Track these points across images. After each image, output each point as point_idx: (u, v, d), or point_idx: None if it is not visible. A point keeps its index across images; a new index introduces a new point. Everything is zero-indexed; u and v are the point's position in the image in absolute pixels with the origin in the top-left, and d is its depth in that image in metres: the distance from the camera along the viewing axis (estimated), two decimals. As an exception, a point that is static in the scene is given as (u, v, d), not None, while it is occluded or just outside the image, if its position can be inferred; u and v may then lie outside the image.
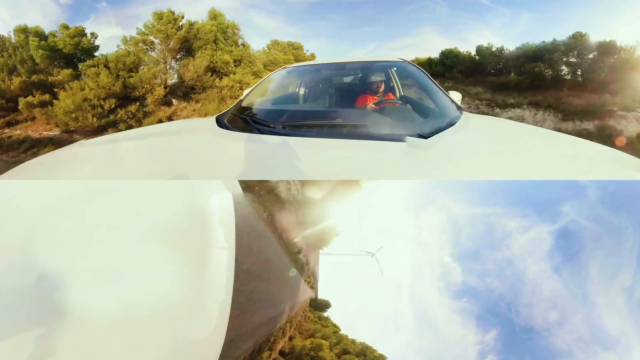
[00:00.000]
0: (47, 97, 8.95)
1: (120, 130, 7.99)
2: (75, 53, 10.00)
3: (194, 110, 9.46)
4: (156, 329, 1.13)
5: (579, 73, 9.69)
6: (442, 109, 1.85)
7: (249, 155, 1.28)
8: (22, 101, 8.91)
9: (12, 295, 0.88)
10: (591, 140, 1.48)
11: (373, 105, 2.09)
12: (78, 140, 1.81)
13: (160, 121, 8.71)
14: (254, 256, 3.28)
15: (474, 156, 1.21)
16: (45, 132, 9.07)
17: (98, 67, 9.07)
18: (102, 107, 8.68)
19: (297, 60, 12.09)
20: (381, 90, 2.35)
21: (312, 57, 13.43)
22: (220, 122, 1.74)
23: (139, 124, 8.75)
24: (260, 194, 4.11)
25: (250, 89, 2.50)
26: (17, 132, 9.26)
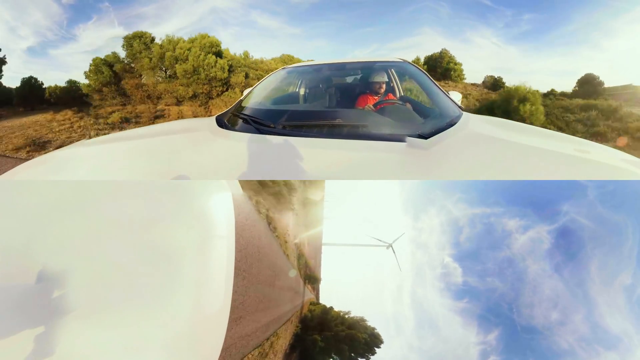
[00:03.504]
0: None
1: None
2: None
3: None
4: (155, 330, 1.13)
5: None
6: (442, 109, 1.85)
7: (249, 155, 1.28)
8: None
9: (12, 295, 0.88)
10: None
11: (371, 106, 2.09)
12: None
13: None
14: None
15: (474, 156, 1.21)
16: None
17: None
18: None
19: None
20: (381, 90, 2.35)
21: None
22: (220, 122, 1.74)
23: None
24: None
25: (250, 89, 2.50)
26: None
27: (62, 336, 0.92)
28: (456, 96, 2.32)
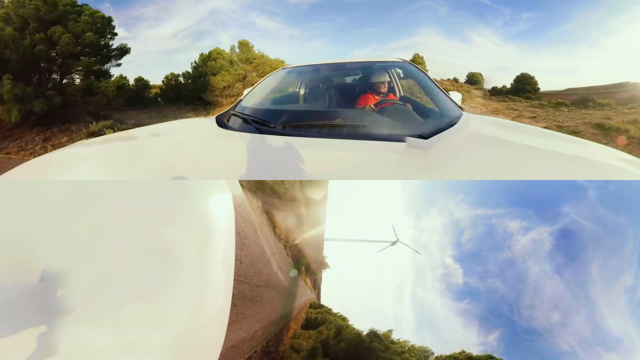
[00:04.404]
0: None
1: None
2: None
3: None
4: (154, 330, 1.13)
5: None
6: (442, 109, 1.85)
7: (249, 155, 1.28)
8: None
9: (12, 295, 0.88)
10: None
11: (372, 106, 2.09)
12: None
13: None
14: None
15: (474, 156, 1.21)
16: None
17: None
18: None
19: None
20: (382, 90, 2.35)
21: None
22: (220, 122, 1.74)
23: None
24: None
25: (250, 88, 2.50)
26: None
27: (61, 336, 0.92)
28: (456, 96, 2.32)
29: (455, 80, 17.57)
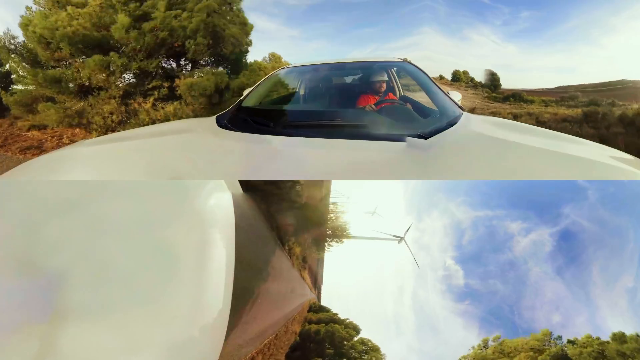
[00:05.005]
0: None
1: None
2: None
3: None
4: (153, 331, 1.13)
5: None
6: (442, 109, 1.85)
7: (249, 155, 1.28)
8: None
9: (11, 296, 0.88)
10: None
11: (372, 106, 2.09)
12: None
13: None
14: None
15: (474, 156, 1.21)
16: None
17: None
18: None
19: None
20: (381, 89, 2.35)
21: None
22: (220, 122, 1.74)
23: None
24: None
25: (251, 89, 2.51)
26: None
27: (60, 337, 0.92)
28: (456, 96, 2.32)
29: (440, 77, 18.49)
